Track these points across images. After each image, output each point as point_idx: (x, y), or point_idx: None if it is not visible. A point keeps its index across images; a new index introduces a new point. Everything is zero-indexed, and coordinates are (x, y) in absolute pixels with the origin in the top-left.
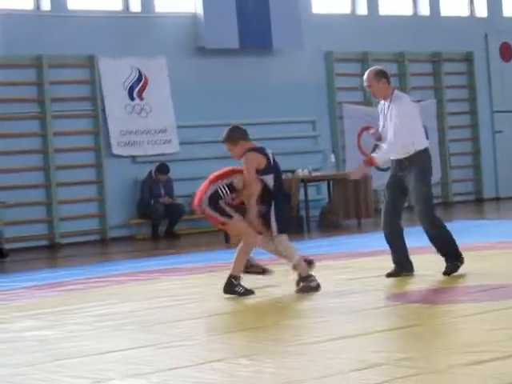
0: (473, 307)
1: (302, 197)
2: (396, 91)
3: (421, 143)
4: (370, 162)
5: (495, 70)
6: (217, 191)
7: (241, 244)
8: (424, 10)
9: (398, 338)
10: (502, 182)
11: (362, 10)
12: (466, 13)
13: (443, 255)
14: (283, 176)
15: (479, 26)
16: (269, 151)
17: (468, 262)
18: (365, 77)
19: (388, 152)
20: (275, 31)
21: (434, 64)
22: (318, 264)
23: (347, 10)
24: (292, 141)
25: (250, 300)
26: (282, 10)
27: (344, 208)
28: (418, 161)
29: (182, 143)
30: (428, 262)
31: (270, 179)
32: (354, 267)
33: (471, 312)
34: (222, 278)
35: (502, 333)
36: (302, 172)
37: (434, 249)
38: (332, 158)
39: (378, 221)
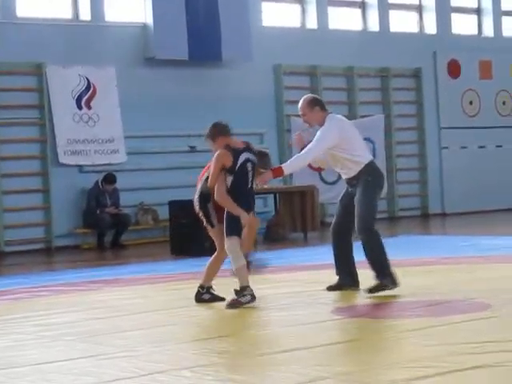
0: (415, 322)
1: None
2: (329, 115)
3: (363, 157)
4: (277, 171)
5: (443, 86)
6: (202, 191)
7: (215, 254)
8: (373, 25)
9: (341, 352)
10: (447, 198)
11: (312, 23)
12: (415, 29)
13: (374, 271)
14: None
15: (428, 42)
16: (247, 155)
17: (412, 277)
18: (299, 105)
19: (295, 164)
20: (225, 43)
21: (382, 79)
22: (263, 277)
23: (297, 24)
24: None
25: (194, 311)
26: (232, 22)
27: (290, 221)
28: (364, 176)
29: (129, 153)
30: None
31: (228, 180)
32: (299, 280)
33: (414, 327)
34: (164, 290)
35: (443, 348)
36: None
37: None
38: None
39: (324, 234)
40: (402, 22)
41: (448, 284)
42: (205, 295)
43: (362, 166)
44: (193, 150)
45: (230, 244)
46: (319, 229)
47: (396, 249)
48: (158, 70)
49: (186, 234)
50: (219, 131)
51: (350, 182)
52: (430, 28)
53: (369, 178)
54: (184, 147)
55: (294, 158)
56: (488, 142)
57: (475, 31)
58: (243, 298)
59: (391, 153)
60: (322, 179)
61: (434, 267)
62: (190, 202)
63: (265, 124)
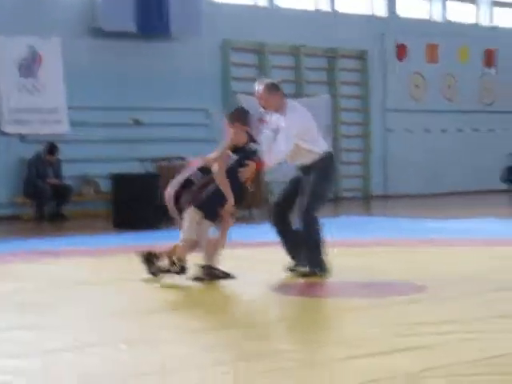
0: (352, 302)
1: None
2: (290, 103)
3: (320, 147)
4: (260, 165)
5: (390, 69)
6: (189, 179)
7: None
8: (323, 5)
9: (279, 330)
10: (390, 180)
11: (263, 1)
12: (364, 11)
13: (306, 256)
14: (174, 162)
15: (377, 25)
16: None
17: (351, 257)
18: (256, 88)
19: (275, 157)
20: (174, 17)
21: (329, 59)
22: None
23: (249, 1)
24: (184, 128)
25: (135, 285)
26: None
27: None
28: (320, 164)
29: (72, 124)
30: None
31: (233, 158)
32: (242, 257)
33: (350, 307)
34: (105, 262)
35: (378, 329)
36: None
37: (329, 243)
38: None
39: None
40: (352, 4)
41: (386, 265)
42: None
43: (318, 155)
44: (137, 123)
45: (194, 216)
46: (264, 206)
47: (337, 229)
48: (104, 41)
49: (128, 207)
50: (239, 118)
51: (304, 168)
52: (380, 10)
53: (324, 169)
54: (128, 120)
55: (274, 152)
56: (433, 125)
57: (423, 15)
58: (173, 267)
59: (336, 133)
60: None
61: (373, 248)
62: (133, 175)
63: (211, 100)
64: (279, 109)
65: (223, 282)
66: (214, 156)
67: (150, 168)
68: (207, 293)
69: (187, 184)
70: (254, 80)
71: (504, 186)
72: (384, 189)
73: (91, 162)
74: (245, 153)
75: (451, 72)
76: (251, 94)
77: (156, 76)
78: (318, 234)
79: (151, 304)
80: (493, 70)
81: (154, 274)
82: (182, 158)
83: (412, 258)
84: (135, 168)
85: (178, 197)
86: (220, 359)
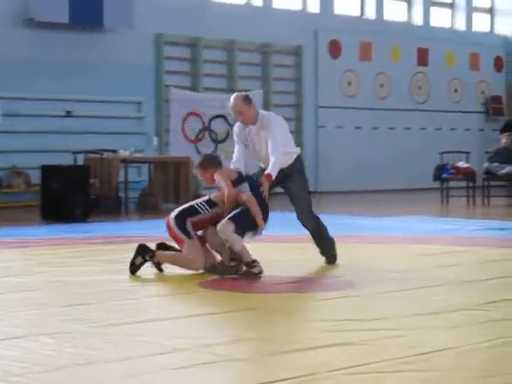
0: (279, 298)
1: (121, 178)
2: (261, 112)
3: (295, 150)
4: (268, 177)
5: (323, 65)
6: (192, 206)
7: (186, 254)
8: (257, 0)
9: (203, 325)
10: (321, 177)
11: None
12: (298, 7)
13: (322, 250)
14: (105, 155)
15: (310, 21)
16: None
17: (281, 253)
18: (232, 104)
19: (276, 164)
20: (107, 8)
21: (263, 55)
22: (129, 246)
23: None
24: (116, 120)
25: (60, 277)
26: None
27: (163, 191)
28: (297, 166)
29: (3, 115)
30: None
31: (245, 186)
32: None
33: (282, 302)
34: (33, 255)
35: (305, 325)
36: (123, 152)
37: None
38: (155, 140)
39: None
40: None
41: (315, 261)
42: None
43: (294, 158)
44: (69, 114)
45: (232, 233)
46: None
47: (269, 225)
48: (37, 32)
49: (57, 200)
50: (210, 163)
51: (283, 172)
52: (313, 7)
53: (302, 169)
54: (60, 111)
55: (273, 161)
56: (364, 123)
57: (357, 12)
58: (254, 268)
59: None
60: (198, 151)
61: (303, 244)
62: (63, 167)
63: (143, 93)
64: (255, 121)
65: (144, 275)
66: (228, 190)
67: (81, 160)
68: (130, 286)
69: (192, 212)
70: (186, 74)
71: (436, 185)
72: (315, 185)
73: (21, 153)
74: (247, 179)
75: (384, 70)
76: (184, 87)
77: (88, 68)
78: (323, 225)
79: (73, 297)
80: (425, 69)
81: (134, 267)
82: (114, 151)
83: (341, 255)
84: (67, 160)
85: (182, 222)
86: (141, 353)
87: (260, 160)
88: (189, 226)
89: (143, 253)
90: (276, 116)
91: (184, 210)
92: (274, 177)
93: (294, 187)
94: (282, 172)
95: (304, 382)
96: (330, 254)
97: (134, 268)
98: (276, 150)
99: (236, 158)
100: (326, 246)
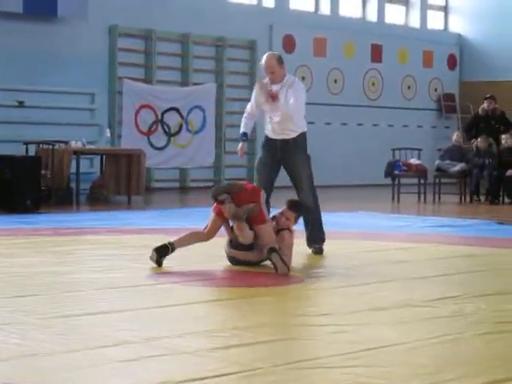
0: (229, 291)
1: (73, 169)
2: (288, 75)
3: (304, 126)
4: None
5: None
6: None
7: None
8: None
9: (150, 318)
10: None
11: None
12: (253, 1)
13: (312, 238)
14: (56, 146)
15: (265, 15)
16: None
17: None
18: (265, 62)
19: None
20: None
21: (217, 48)
22: (83, 238)
23: None
24: (69, 112)
25: (7, 268)
26: None
27: (115, 183)
28: (301, 143)
29: None
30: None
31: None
32: (119, 243)
33: (227, 296)
34: None
35: (253, 319)
36: (75, 144)
37: None
38: (108, 132)
39: (148, 198)
40: None
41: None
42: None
43: (299, 132)
44: (21, 105)
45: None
46: (144, 193)
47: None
48: None
49: (8, 190)
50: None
51: (286, 143)
52: (268, 1)
53: (305, 147)
54: (12, 102)
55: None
56: (317, 118)
57: (312, 8)
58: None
59: (221, 122)
60: (151, 144)
61: None
62: (14, 157)
63: (96, 84)
64: (281, 81)
65: (92, 267)
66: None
67: (33, 151)
68: (78, 278)
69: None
70: (140, 66)
71: (387, 181)
72: None
73: None
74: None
75: (338, 66)
76: (137, 79)
77: (42, 58)
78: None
79: (20, 288)
80: (379, 66)
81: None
82: (65, 142)
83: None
84: (18, 150)
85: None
86: (88, 345)
87: (274, 117)
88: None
89: (162, 253)
90: (301, 83)
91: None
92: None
93: (296, 163)
94: (285, 142)
95: (249, 377)
96: (318, 244)
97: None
98: (295, 109)
99: (248, 113)
100: (317, 233)
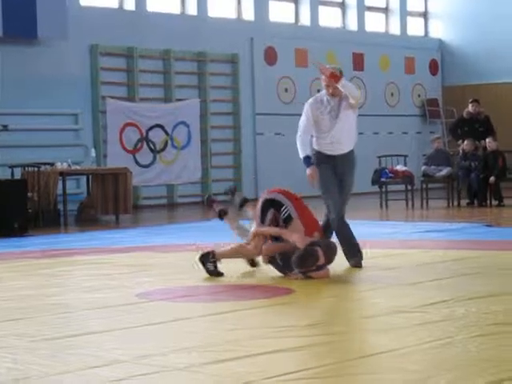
0: (218, 306)
1: (60, 191)
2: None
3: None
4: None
5: (259, 72)
6: None
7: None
8: (191, 9)
9: (141, 336)
10: (260, 184)
11: (130, 5)
12: (233, 15)
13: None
14: (42, 168)
15: (245, 28)
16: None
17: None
18: (325, 76)
19: (351, 86)
20: (40, 20)
21: (199, 63)
22: (71, 259)
23: (115, 5)
24: (53, 133)
25: (4, 293)
26: None
27: (103, 203)
28: (354, 157)
29: None
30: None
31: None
32: (109, 263)
33: (217, 311)
34: None
35: (244, 332)
36: (61, 165)
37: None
38: (93, 152)
39: (136, 217)
40: (220, 8)
41: (255, 269)
42: (209, 264)
43: (352, 146)
44: (5, 128)
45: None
46: (132, 211)
47: (208, 232)
48: None
49: None
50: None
51: (340, 158)
52: (248, 14)
53: (355, 164)
54: None
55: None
56: None
57: (292, 20)
58: None
59: (206, 137)
60: (137, 162)
61: None
62: (0, 181)
63: (80, 105)
64: (340, 94)
65: (82, 287)
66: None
67: (19, 174)
68: (67, 298)
69: None
70: (123, 84)
71: (374, 189)
72: (255, 192)
73: None
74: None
75: (320, 76)
76: (120, 98)
77: (24, 80)
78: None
79: (9, 312)
80: (361, 74)
81: (215, 271)
82: (51, 164)
83: None
84: (4, 174)
85: None
86: (80, 366)
87: (332, 131)
88: None
89: (205, 258)
90: None
91: None
92: (342, 81)
93: (348, 179)
94: (344, 159)
95: None
96: (357, 257)
97: (216, 272)
98: (353, 134)
99: (303, 131)
100: (353, 247)
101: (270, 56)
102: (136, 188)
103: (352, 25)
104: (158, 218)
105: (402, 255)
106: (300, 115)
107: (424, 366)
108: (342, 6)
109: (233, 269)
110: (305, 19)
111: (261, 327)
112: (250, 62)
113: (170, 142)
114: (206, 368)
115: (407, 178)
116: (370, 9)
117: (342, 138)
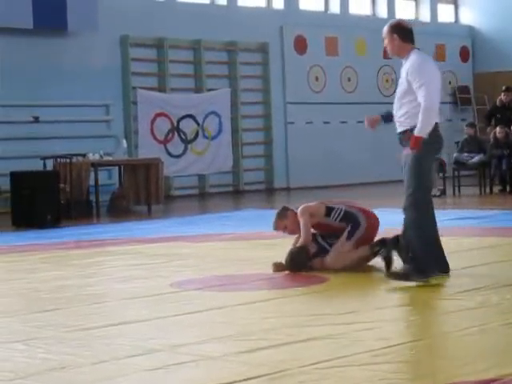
0: (253, 295)
1: (92, 182)
2: (416, 50)
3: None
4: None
5: (289, 61)
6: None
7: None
8: None
9: (176, 325)
10: (292, 173)
11: None
12: (262, 4)
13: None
14: (74, 159)
15: (275, 17)
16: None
17: (254, 250)
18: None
19: (426, 124)
20: (71, 12)
21: (229, 53)
22: (105, 249)
23: None
24: (85, 124)
25: (31, 284)
26: None
27: (134, 194)
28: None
29: None
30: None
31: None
32: (142, 253)
33: (251, 300)
34: (3, 262)
35: (278, 321)
36: (93, 156)
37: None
38: (124, 143)
39: (168, 207)
40: None
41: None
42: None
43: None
44: (36, 120)
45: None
46: (163, 202)
47: (240, 222)
48: (1, 37)
49: (28, 206)
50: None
51: (400, 137)
52: (278, 3)
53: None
54: (27, 117)
55: (420, 119)
56: (333, 117)
57: (322, 8)
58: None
59: (237, 126)
60: (168, 152)
61: (275, 240)
62: (32, 173)
63: (111, 96)
64: (400, 54)
65: (116, 278)
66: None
67: (50, 165)
68: (102, 289)
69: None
70: (153, 75)
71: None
72: (286, 181)
73: None
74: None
75: (350, 64)
76: (151, 88)
77: (55, 72)
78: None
79: (44, 303)
80: (392, 62)
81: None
82: (83, 155)
83: None
84: (36, 166)
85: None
86: (115, 356)
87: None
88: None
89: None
90: (431, 64)
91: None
92: (422, 138)
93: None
94: (400, 135)
95: (277, 378)
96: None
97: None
98: (423, 104)
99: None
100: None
101: (300, 45)
102: (167, 178)
103: (382, 12)
104: (190, 208)
105: None
106: (331, 103)
107: (460, 353)
108: None
109: (271, 257)
110: (334, 7)
111: (295, 315)
112: (280, 51)
113: (200, 132)
114: (240, 357)
115: (439, 165)
116: None
117: None
